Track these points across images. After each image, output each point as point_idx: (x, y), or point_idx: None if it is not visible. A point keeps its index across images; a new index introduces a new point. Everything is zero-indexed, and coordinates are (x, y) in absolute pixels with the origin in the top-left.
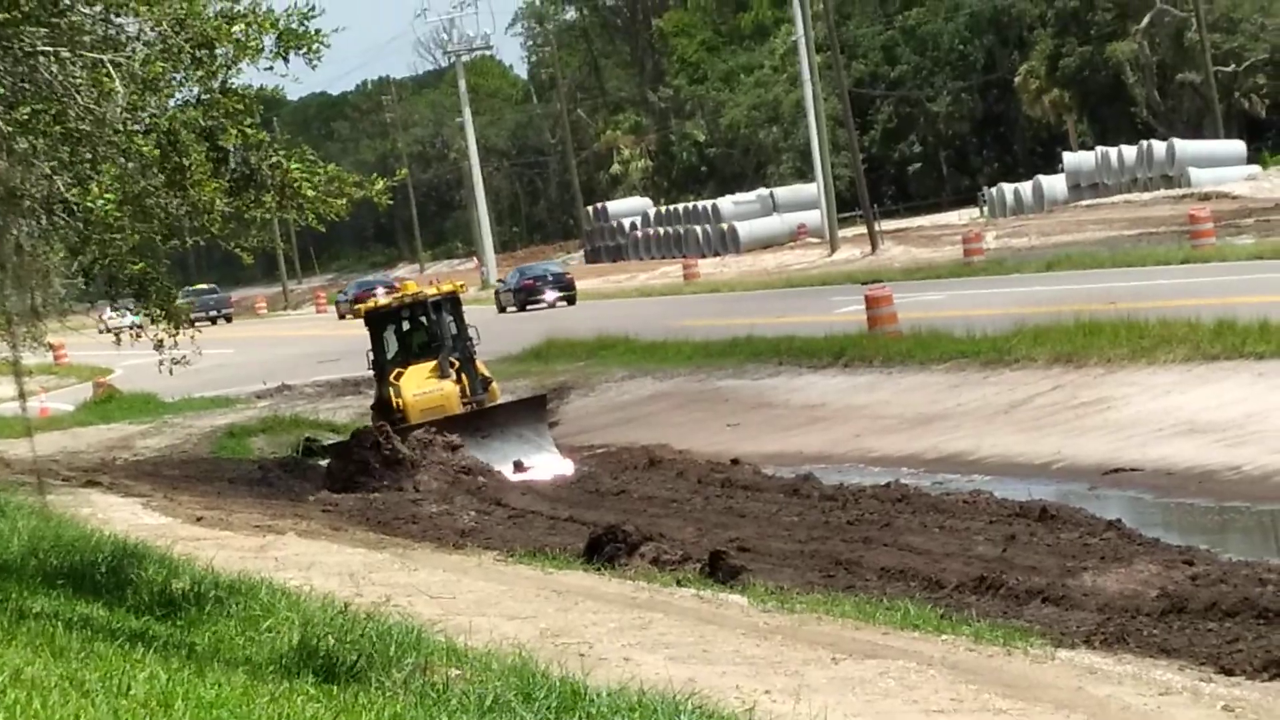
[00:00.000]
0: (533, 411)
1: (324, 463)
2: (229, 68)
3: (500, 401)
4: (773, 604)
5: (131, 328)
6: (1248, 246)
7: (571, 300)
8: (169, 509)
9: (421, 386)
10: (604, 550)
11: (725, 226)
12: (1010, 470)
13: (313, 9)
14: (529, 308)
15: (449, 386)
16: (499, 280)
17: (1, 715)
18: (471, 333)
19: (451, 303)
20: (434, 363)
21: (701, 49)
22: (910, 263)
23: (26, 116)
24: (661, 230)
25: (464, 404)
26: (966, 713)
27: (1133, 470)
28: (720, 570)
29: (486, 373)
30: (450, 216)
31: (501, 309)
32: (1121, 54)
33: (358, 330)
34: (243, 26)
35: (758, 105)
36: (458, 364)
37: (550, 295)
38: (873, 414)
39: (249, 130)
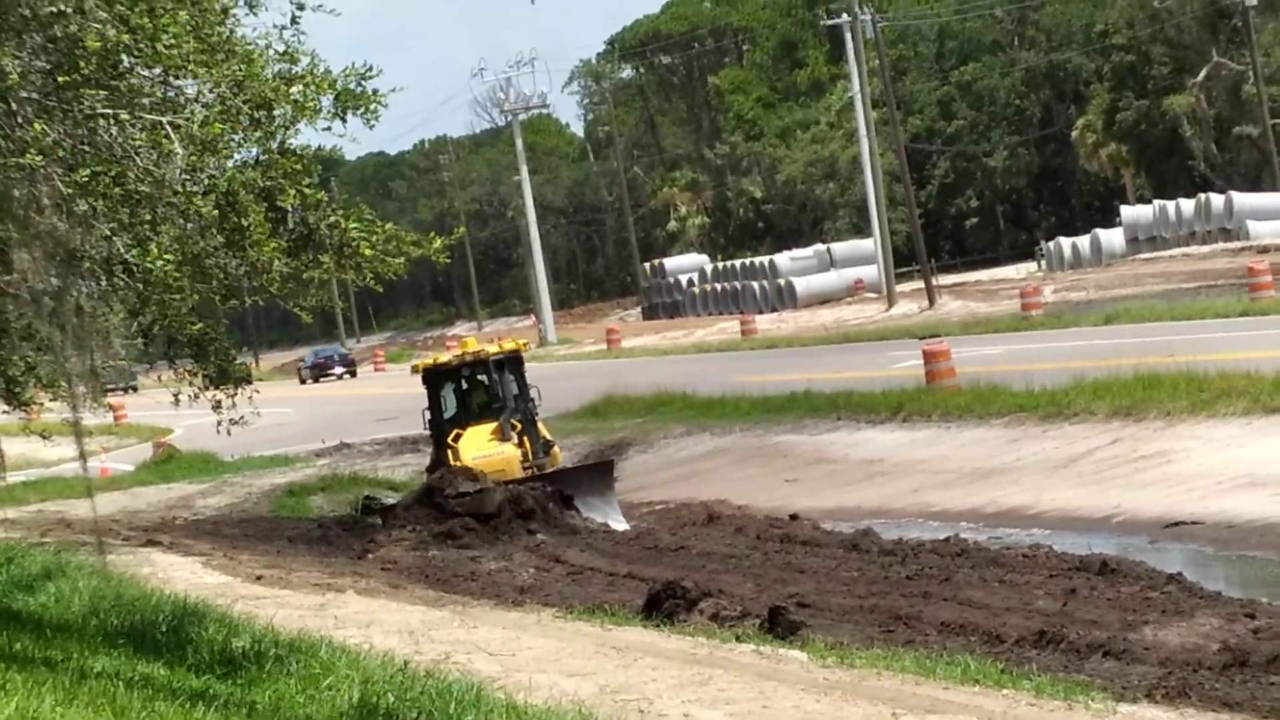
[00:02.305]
0: (600, 477)
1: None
2: (287, 128)
3: (566, 466)
4: (832, 659)
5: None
6: None
7: (354, 374)
8: (229, 568)
9: (482, 449)
10: (663, 606)
11: (782, 282)
12: (1070, 524)
13: (370, 70)
14: (322, 380)
15: (510, 450)
16: (300, 359)
17: None
18: (533, 393)
19: (513, 362)
20: (494, 424)
21: (758, 106)
22: (968, 317)
23: (87, 178)
24: (718, 286)
25: (525, 468)
26: None
27: (1193, 523)
28: (779, 626)
29: (548, 435)
30: (508, 274)
31: (302, 381)
32: (1178, 107)
33: (415, 389)
34: (301, 88)
35: (814, 161)
36: (519, 426)
37: (338, 370)
38: (931, 468)
39: (307, 190)
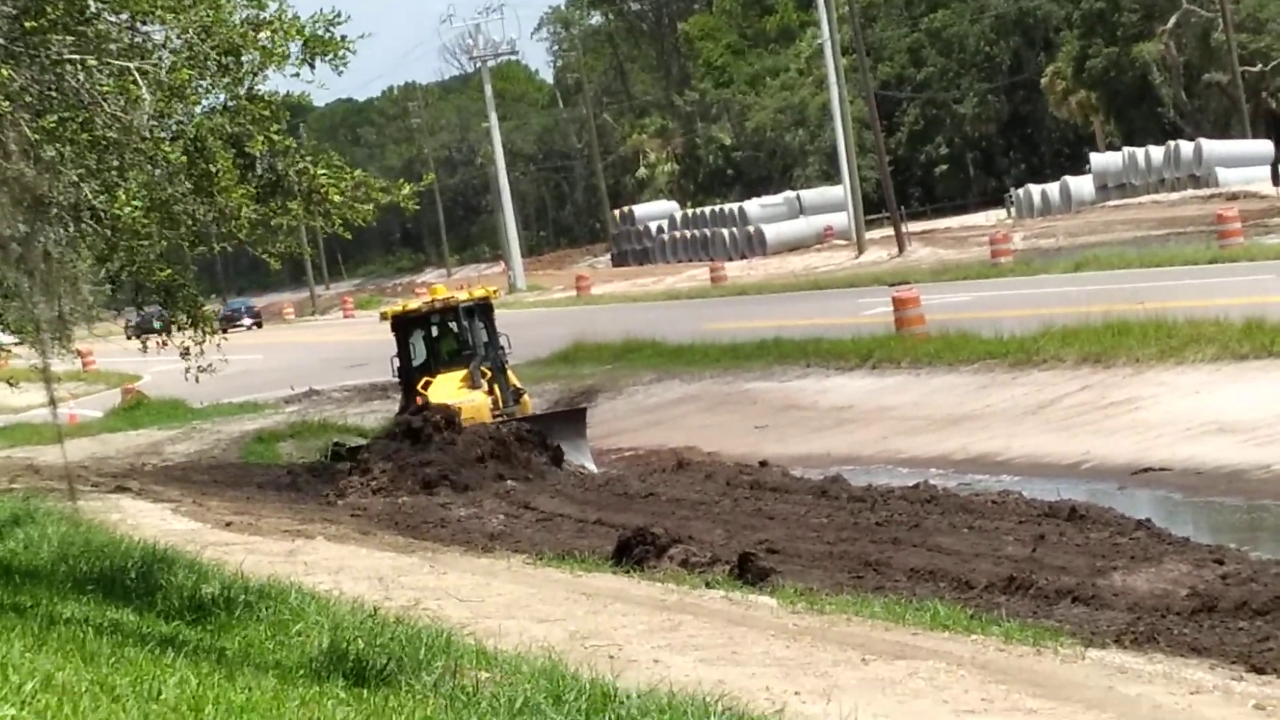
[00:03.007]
0: (572, 425)
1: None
2: (255, 74)
3: (538, 413)
4: (802, 605)
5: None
6: (1276, 246)
7: (260, 325)
8: (198, 514)
9: (452, 397)
10: (633, 553)
11: (752, 229)
12: (1039, 470)
13: (338, 15)
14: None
15: (480, 397)
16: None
17: None
18: (503, 340)
19: (483, 309)
20: (464, 371)
21: (727, 52)
22: (937, 264)
23: (54, 124)
24: (688, 233)
25: (495, 416)
26: (997, 713)
27: (1162, 470)
28: (749, 572)
29: (518, 383)
30: (477, 221)
31: (212, 331)
32: (1148, 54)
33: (385, 336)
34: (269, 33)
35: (784, 108)
36: (489, 373)
37: (246, 321)
38: (901, 415)
39: (275, 136)
